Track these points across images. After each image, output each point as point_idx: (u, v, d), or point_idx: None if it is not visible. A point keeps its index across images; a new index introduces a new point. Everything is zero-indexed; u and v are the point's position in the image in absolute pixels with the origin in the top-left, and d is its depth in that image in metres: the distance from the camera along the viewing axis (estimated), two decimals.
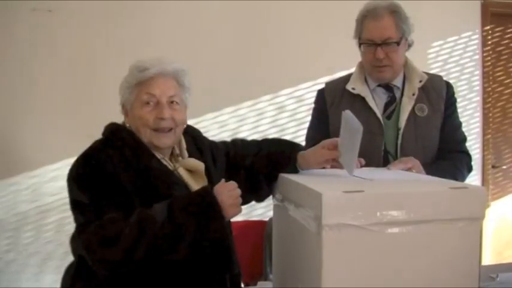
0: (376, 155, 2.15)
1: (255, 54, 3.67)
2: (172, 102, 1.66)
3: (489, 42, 4.11)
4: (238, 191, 1.57)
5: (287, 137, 3.50)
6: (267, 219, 2.82)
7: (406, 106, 2.18)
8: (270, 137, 3.09)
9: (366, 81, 2.26)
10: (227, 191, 1.54)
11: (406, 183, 1.63)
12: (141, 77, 1.63)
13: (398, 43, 2.11)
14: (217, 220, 1.50)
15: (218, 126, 3.61)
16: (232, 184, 1.57)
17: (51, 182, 3.32)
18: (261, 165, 1.83)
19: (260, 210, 3.36)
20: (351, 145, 1.60)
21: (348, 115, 1.61)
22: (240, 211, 1.59)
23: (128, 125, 1.67)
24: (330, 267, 1.31)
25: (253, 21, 3.68)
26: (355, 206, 1.31)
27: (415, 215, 1.34)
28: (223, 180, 1.60)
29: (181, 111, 1.69)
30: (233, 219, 3.24)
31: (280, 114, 3.75)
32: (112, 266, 1.48)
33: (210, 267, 1.62)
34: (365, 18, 2.14)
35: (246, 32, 3.67)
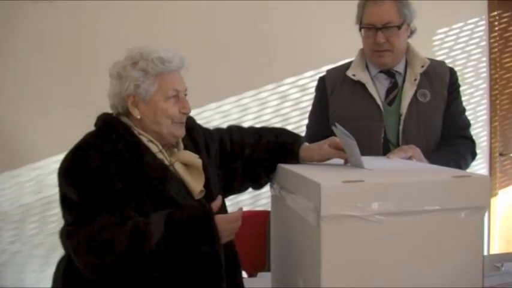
0: (376, 142, 2.13)
1: (258, 43, 3.64)
2: (185, 94, 1.69)
3: (496, 28, 4.03)
4: (239, 224, 1.57)
5: (290, 126, 3.49)
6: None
7: (408, 92, 2.15)
8: (274, 126, 3.06)
9: (367, 67, 2.24)
10: (228, 223, 1.54)
11: (408, 172, 1.60)
12: (163, 69, 1.61)
13: (399, 27, 2.08)
14: (213, 246, 1.50)
15: (221, 116, 3.58)
16: (235, 217, 1.57)
17: (55, 173, 3.26)
18: (260, 156, 1.82)
19: (264, 201, 3.35)
20: (353, 153, 1.61)
21: (339, 130, 1.62)
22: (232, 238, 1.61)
23: (139, 116, 1.62)
24: (329, 258, 1.29)
25: (256, 10, 3.64)
26: (354, 196, 1.29)
27: (417, 204, 1.32)
28: (219, 198, 1.62)
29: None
30: None
31: (283, 103, 3.71)
32: (99, 273, 1.48)
33: (199, 281, 1.59)
34: (366, 2, 2.13)
35: (248, 21, 3.64)
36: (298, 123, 3.57)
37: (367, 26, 2.12)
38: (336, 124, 1.63)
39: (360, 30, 2.16)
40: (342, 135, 1.61)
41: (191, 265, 1.50)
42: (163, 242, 1.44)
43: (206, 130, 1.89)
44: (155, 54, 1.60)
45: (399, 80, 2.21)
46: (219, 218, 1.51)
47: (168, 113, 1.62)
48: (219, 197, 1.63)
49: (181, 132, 1.68)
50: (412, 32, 2.18)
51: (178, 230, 1.47)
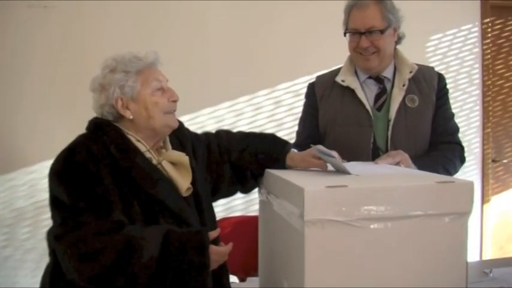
0: (365, 147, 2.14)
1: (252, 48, 3.65)
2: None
3: (489, 35, 4.06)
4: (226, 258, 1.63)
5: (284, 132, 3.50)
6: None
7: (397, 97, 2.16)
8: (267, 131, 3.07)
9: (356, 73, 2.24)
10: (219, 256, 1.59)
11: (392, 177, 1.60)
12: (141, 65, 1.65)
13: (382, 31, 2.09)
14: (202, 276, 1.52)
15: (215, 121, 3.57)
16: (225, 252, 1.62)
17: None
18: (247, 162, 1.84)
19: (257, 206, 3.33)
20: (337, 166, 1.63)
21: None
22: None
23: (131, 117, 1.64)
24: (313, 263, 1.30)
25: (250, 16, 3.65)
26: (338, 201, 1.30)
27: (401, 209, 1.32)
28: (218, 230, 1.65)
29: None
30: (230, 215, 3.25)
31: (277, 108, 3.72)
32: (85, 280, 1.47)
33: None
34: (352, 8, 2.14)
35: (242, 26, 3.64)
36: (292, 128, 3.55)
37: (351, 31, 2.14)
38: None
39: (345, 35, 2.17)
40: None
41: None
42: (154, 262, 1.46)
43: (194, 134, 1.90)
44: (129, 55, 1.65)
45: (388, 85, 2.21)
46: (212, 249, 1.54)
47: (159, 105, 1.65)
48: (218, 230, 1.66)
49: (175, 122, 1.71)
50: (400, 38, 2.19)
51: (172, 256, 1.48)
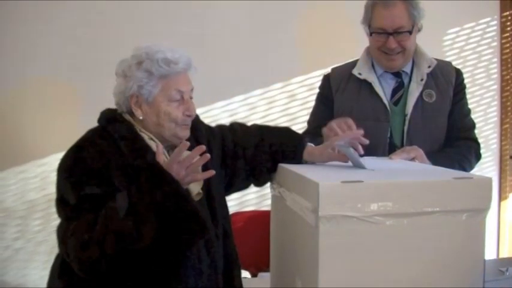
0: (382, 142, 2.11)
1: (266, 41, 3.62)
2: (191, 97, 1.65)
3: (508, 29, 3.99)
4: (189, 158, 1.48)
5: (298, 126, 3.44)
6: None
7: (414, 92, 2.13)
8: (281, 125, 3.04)
9: (372, 66, 2.21)
10: (177, 164, 1.47)
11: (408, 173, 1.58)
12: (168, 71, 1.58)
13: (410, 32, 2.04)
14: (171, 185, 1.44)
15: (228, 114, 3.56)
16: (177, 153, 1.49)
17: None
18: (262, 158, 1.79)
19: (270, 201, 3.32)
20: (354, 159, 1.61)
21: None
22: (199, 177, 1.54)
23: (141, 117, 1.60)
24: (327, 259, 1.27)
25: (264, 8, 3.62)
26: (353, 196, 1.27)
27: (417, 206, 1.30)
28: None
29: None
30: (243, 210, 3.23)
31: (291, 102, 3.69)
32: (91, 266, 1.44)
33: (181, 238, 1.50)
34: (376, 5, 2.07)
35: (256, 19, 3.62)
36: (305, 122, 3.53)
37: (378, 31, 2.07)
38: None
39: (371, 34, 2.11)
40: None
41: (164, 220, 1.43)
42: (129, 204, 1.41)
43: (208, 128, 1.85)
44: (160, 55, 1.57)
45: (405, 79, 2.18)
46: (165, 164, 1.47)
47: (171, 116, 1.59)
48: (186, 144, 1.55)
49: (185, 133, 1.64)
50: (419, 30, 2.15)
51: (136, 188, 1.44)
